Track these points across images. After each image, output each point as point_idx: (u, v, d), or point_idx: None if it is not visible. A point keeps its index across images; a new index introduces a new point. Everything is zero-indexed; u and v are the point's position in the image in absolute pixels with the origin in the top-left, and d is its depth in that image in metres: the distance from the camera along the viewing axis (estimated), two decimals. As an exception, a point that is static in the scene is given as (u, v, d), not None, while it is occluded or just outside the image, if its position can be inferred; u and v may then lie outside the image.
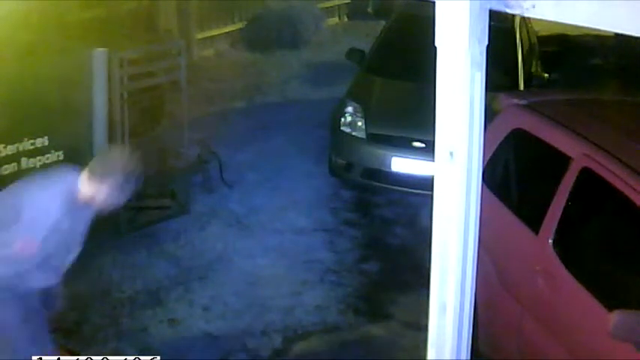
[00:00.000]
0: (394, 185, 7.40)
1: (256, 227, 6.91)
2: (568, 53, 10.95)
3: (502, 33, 7.74)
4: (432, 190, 2.57)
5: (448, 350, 2.65)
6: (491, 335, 4.75)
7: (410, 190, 7.18)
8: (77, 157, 5.56)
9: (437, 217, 2.57)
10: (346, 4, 14.82)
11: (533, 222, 4.51)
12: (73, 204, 3.91)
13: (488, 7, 2.38)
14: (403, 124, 7.41)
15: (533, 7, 2.31)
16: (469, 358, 2.72)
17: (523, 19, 8.46)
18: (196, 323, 5.53)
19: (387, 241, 6.91)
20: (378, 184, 7.52)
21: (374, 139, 7.46)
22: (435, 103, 2.49)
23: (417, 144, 7.19)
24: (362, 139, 7.51)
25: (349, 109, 7.68)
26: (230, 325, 5.53)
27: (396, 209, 7.40)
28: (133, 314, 5.52)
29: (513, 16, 6.79)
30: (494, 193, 4.89)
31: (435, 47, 2.43)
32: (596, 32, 8.72)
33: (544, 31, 10.38)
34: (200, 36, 11.67)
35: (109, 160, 3.95)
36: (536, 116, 4.94)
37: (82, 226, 4.06)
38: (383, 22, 10.04)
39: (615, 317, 3.52)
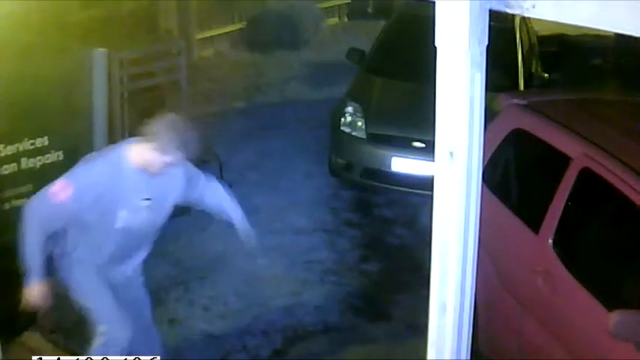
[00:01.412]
0: (394, 185, 7.40)
1: (256, 227, 6.89)
2: (568, 53, 10.93)
3: (502, 33, 7.74)
4: (432, 190, 2.57)
5: (448, 350, 2.65)
6: (492, 335, 4.75)
7: (410, 190, 7.19)
8: (77, 157, 5.55)
9: (437, 217, 2.57)
10: (346, 4, 14.82)
11: (533, 222, 4.51)
12: (137, 186, 3.87)
13: (488, 7, 2.38)
14: (403, 124, 7.41)
15: (533, 7, 2.31)
16: (469, 358, 2.72)
17: (523, 19, 8.46)
18: (196, 323, 5.54)
19: (387, 241, 6.91)
20: (378, 184, 7.52)
21: (374, 139, 7.46)
22: (435, 103, 2.49)
23: (417, 144, 7.19)
24: (362, 139, 7.51)
25: (349, 109, 7.68)
26: (230, 325, 5.54)
27: (396, 209, 7.40)
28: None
29: (513, 16, 6.78)
30: (494, 193, 4.89)
31: (435, 47, 2.43)
32: (596, 32, 8.72)
33: (544, 31, 10.37)
34: (200, 36, 11.66)
35: (166, 124, 3.83)
36: (536, 116, 4.94)
37: (164, 198, 4.02)
38: (383, 22, 10.04)
39: (615, 317, 3.52)
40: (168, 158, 3.80)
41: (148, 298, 4.39)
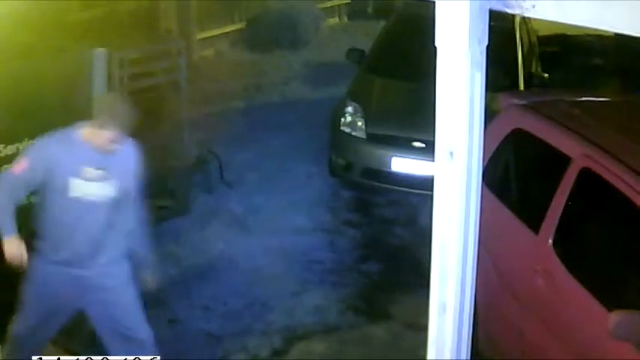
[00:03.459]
0: (394, 185, 7.41)
1: (256, 227, 6.91)
2: (568, 53, 10.95)
3: (502, 33, 7.74)
4: (432, 190, 2.57)
5: (448, 350, 2.65)
6: (492, 335, 4.75)
7: (410, 190, 7.19)
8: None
9: (437, 217, 2.57)
10: (346, 4, 14.81)
11: (533, 222, 4.51)
12: (88, 157, 4.04)
13: (488, 7, 2.38)
14: (403, 124, 7.42)
15: (533, 7, 2.31)
16: (469, 358, 2.72)
17: (523, 19, 8.46)
18: (196, 323, 5.54)
19: (387, 241, 6.91)
20: (378, 184, 7.52)
21: (374, 139, 7.47)
22: (435, 103, 2.49)
23: (417, 144, 7.19)
24: (362, 139, 7.52)
25: (349, 109, 7.68)
26: (230, 325, 5.54)
27: (396, 209, 7.40)
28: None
29: (513, 16, 6.79)
30: (494, 193, 4.89)
31: (435, 47, 2.43)
32: (596, 32, 8.72)
33: (544, 31, 10.38)
34: (200, 36, 11.66)
35: (103, 101, 4.19)
36: (536, 116, 4.94)
37: (118, 176, 4.12)
38: (383, 22, 10.04)
39: (615, 317, 3.53)
40: (106, 133, 3.99)
41: (133, 302, 4.37)
